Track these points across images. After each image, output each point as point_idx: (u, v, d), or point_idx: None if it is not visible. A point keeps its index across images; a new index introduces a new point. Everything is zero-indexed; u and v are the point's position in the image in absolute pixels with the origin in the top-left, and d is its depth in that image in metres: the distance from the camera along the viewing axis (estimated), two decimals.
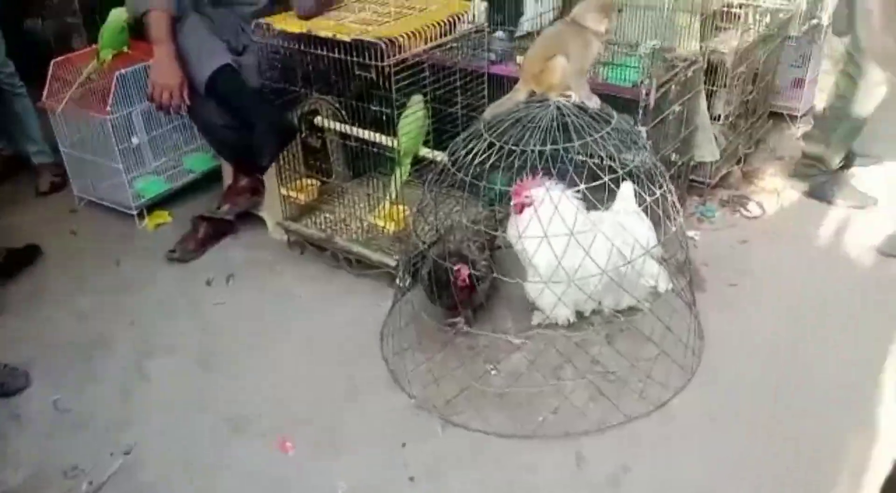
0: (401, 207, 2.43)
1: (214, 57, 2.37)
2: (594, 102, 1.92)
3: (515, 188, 2.02)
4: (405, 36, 2.12)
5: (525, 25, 2.71)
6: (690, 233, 2.69)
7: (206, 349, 2.31)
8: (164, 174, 3.06)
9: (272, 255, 2.74)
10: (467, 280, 2.14)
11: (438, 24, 2.25)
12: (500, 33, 2.73)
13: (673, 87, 2.39)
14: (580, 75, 1.90)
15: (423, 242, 2.36)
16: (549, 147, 1.78)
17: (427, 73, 2.32)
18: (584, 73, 1.93)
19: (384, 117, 2.18)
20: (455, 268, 2.13)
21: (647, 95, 2.24)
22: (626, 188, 2.11)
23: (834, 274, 2.49)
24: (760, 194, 2.96)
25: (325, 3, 2.37)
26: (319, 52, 2.21)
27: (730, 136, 2.85)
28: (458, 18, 2.34)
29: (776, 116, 3.43)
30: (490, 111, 1.97)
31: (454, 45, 2.39)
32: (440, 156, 2.44)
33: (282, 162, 2.58)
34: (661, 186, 1.90)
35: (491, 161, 1.83)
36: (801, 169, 2.95)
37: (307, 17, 2.31)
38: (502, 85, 2.57)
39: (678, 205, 2.02)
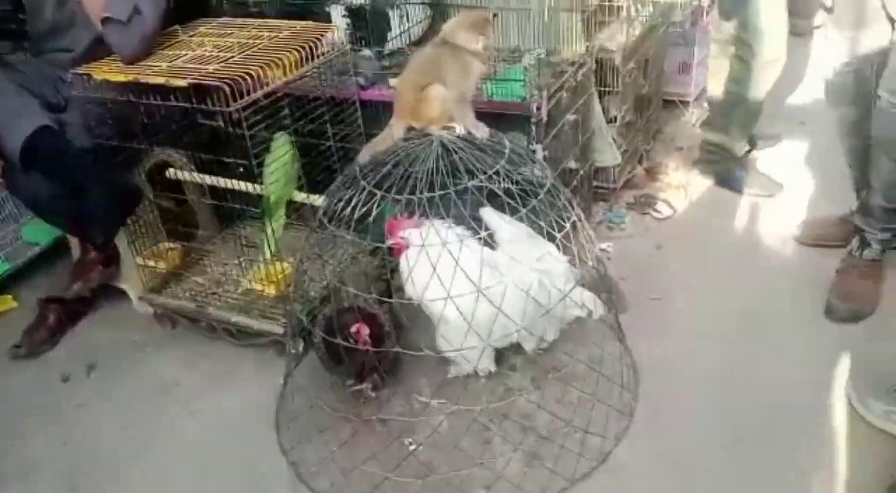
0: (280, 266, 2.10)
1: (27, 119, 1.96)
2: (482, 131, 1.66)
3: (388, 226, 1.74)
4: (254, 72, 1.79)
5: (392, 43, 2.43)
6: (602, 245, 2.49)
7: (70, 470, 1.91)
8: (1, 252, 2.61)
9: (139, 333, 2.36)
10: (369, 341, 1.86)
11: (294, 51, 1.94)
12: (366, 52, 2.44)
13: (564, 95, 2.16)
14: (462, 103, 1.64)
15: (311, 302, 2.05)
16: (437, 193, 1.51)
17: (287, 110, 2.00)
18: (467, 100, 1.66)
19: (241, 169, 1.85)
20: (353, 329, 1.84)
21: (539, 109, 2.00)
22: (488, 214, 1.86)
23: (758, 273, 2.34)
24: (667, 191, 2.79)
25: (152, 42, 2.00)
26: (153, 101, 1.86)
27: (628, 135, 2.66)
28: (317, 43, 2.03)
29: (668, 103, 3.29)
30: (365, 152, 1.68)
31: (316, 73, 2.08)
32: (317, 199, 2.14)
33: (132, 227, 2.20)
34: (568, 216, 1.67)
35: (373, 215, 1.55)
36: (705, 156, 2.81)
37: (133, 61, 1.95)
38: (376, 110, 2.29)
39: (589, 230, 1.80)
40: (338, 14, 2.50)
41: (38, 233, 2.69)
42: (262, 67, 1.82)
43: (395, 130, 1.66)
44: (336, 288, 1.90)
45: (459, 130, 1.63)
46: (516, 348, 1.99)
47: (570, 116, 2.23)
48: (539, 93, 1.99)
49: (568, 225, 1.61)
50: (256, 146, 1.88)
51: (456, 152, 1.57)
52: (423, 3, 2.44)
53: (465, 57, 1.62)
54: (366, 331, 1.82)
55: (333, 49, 2.12)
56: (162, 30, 2.08)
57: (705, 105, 3.30)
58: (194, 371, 2.18)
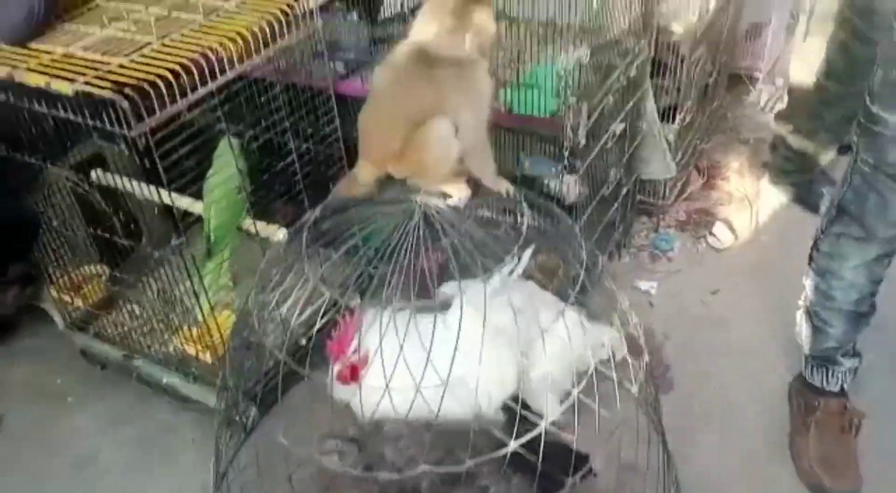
0: (221, 320, 1.60)
1: None
2: (503, 188, 1.12)
3: (332, 345, 1.17)
4: (171, 75, 1.25)
5: (388, 9, 1.85)
6: (644, 285, 1.97)
7: None
8: None
9: (63, 373, 1.90)
10: None
11: (240, 34, 1.38)
12: (354, 17, 1.87)
13: (610, 99, 1.60)
14: (482, 148, 1.09)
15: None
16: (413, 303, 0.99)
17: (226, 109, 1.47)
18: (485, 140, 1.10)
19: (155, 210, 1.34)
20: None
21: (575, 131, 1.44)
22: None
23: None
24: (729, 205, 2.23)
25: (49, 15, 1.46)
26: (37, 106, 1.33)
27: (686, 136, 2.09)
28: (279, 20, 1.46)
29: (731, 78, 2.68)
30: (327, 206, 1.13)
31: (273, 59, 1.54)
32: (276, 231, 1.63)
33: (42, 251, 1.72)
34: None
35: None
36: (780, 163, 2.23)
37: (18, 42, 1.41)
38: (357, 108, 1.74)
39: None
40: None
41: None
42: (187, 64, 1.28)
43: (357, 182, 1.12)
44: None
45: (458, 197, 1.08)
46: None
47: (617, 128, 1.67)
48: (577, 109, 1.42)
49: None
50: (186, 172, 1.36)
51: (445, 233, 1.03)
52: None
53: (473, 71, 1.06)
54: None
55: (301, 24, 1.55)
56: None
57: (778, 83, 2.71)
58: (119, 439, 1.73)
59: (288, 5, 1.49)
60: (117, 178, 1.58)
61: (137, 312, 1.75)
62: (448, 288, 1.17)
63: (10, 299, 1.94)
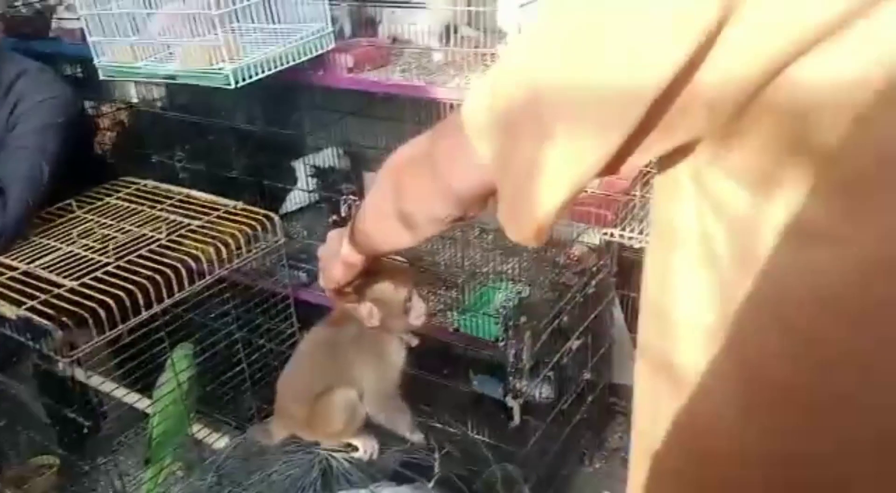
0: None
1: None
2: (416, 437, 1.10)
3: None
4: (117, 299, 1.29)
5: None
6: None
7: None
8: None
9: None
10: None
11: (194, 259, 1.44)
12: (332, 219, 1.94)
13: (565, 319, 1.59)
14: (392, 409, 1.08)
15: None
16: None
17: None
18: (397, 402, 1.09)
19: (84, 429, 1.34)
20: None
21: (518, 356, 1.43)
22: None
23: None
24: None
25: (21, 230, 1.54)
26: None
27: None
28: (238, 240, 1.53)
29: None
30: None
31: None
32: (218, 440, 1.61)
33: None
34: None
35: None
36: None
37: None
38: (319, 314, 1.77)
39: None
40: (302, 171, 2.04)
41: None
42: (132, 290, 1.33)
43: (272, 431, 1.12)
44: None
45: (364, 451, 1.07)
46: None
47: (574, 344, 1.65)
48: (520, 336, 1.42)
49: None
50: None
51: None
52: None
53: (381, 342, 1.06)
54: None
55: (264, 241, 1.61)
56: (48, 205, 1.63)
57: None
58: None
59: (251, 224, 1.56)
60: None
61: None
62: None
63: None
